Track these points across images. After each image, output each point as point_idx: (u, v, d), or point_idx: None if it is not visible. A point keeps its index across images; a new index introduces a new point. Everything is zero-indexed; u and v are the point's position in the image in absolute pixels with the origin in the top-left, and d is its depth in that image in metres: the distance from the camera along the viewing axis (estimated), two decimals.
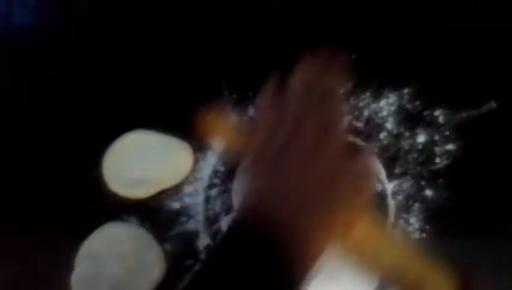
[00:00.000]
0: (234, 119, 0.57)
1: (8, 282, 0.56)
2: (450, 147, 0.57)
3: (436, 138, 0.57)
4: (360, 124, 0.58)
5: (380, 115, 0.58)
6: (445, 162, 0.57)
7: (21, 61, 0.60)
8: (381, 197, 0.56)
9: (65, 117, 0.59)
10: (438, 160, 0.57)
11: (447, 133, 0.57)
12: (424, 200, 0.56)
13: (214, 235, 0.57)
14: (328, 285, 0.51)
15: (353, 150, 0.42)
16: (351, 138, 0.53)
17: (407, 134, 0.58)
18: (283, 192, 0.38)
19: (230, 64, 0.59)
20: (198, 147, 0.58)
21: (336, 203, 0.38)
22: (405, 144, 0.57)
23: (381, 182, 0.56)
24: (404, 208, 0.56)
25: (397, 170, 0.57)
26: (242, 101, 0.59)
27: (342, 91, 0.49)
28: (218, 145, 0.57)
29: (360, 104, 0.58)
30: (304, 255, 0.36)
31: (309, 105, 0.42)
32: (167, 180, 0.57)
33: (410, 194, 0.56)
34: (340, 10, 0.60)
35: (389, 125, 0.58)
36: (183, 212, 0.57)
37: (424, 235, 0.56)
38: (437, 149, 0.57)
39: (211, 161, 0.58)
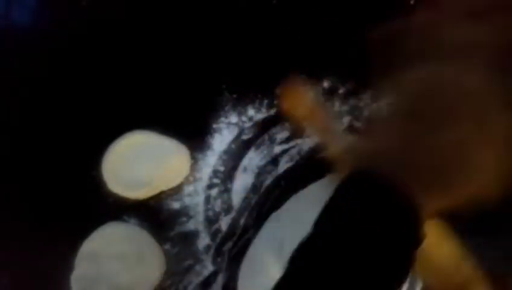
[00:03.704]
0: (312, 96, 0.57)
1: (8, 282, 0.56)
2: None
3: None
4: (360, 124, 0.58)
5: (380, 115, 0.58)
6: None
7: (21, 61, 0.60)
8: None
9: (65, 117, 0.59)
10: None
11: None
12: None
13: (213, 235, 0.57)
14: None
15: None
16: None
17: None
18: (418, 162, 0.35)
19: (230, 64, 0.59)
20: (198, 147, 0.58)
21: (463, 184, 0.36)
22: None
23: None
24: None
25: None
26: (242, 101, 0.59)
27: None
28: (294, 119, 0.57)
29: (360, 104, 0.58)
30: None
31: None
32: (166, 181, 0.57)
33: None
34: (340, 10, 0.60)
35: None
36: (183, 212, 0.57)
37: None
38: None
39: (210, 161, 0.58)
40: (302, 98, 0.56)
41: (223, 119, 0.59)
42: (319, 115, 0.55)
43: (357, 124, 0.58)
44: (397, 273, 0.34)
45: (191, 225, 0.57)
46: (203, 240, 0.57)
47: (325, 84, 0.59)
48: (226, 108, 0.59)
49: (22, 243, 0.56)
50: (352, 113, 0.58)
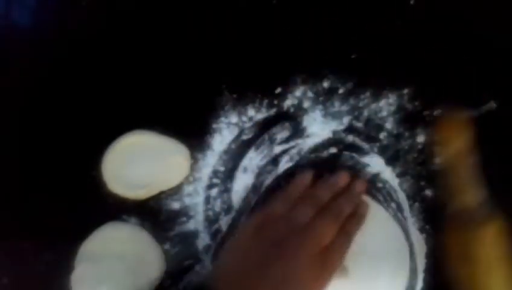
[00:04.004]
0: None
1: (8, 282, 0.56)
2: None
3: (436, 138, 0.57)
4: (360, 124, 0.58)
5: (380, 115, 0.58)
6: None
7: (21, 61, 0.60)
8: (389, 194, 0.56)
9: (65, 117, 0.59)
10: (438, 160, 0.57)
11: None
12: (424, 200, 0.56)
13: (213, 235, 0.57)
14: None
15: None
16: None
17: (407, 134, 0.58)
18: None
19: (230, 64, 0.59)
20: (198, 147, 0.58)
21: None
22: (405, 144, 0.57)
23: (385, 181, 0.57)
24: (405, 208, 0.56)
25: (397, 170, 0.57)
26: (242, 101, 0.59)
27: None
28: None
29: (360, 104, 0.58)
30: None
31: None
32: (166, 181, 0.57)
33: (410, 194, 0.56)
34: (340, 10, 0.60)
35: (389, 125, 0.58)
36: (183, 212, 0.57)
37: (424, 235, 0.56)
38: (437, 149, 0.57)
39: (210, 161, 0.58)
40: (461, 131, 0.54)
41: (223, 119, 0.59)
42: (468, 155, 0.53)
43: (357, 124, 0.58)
44: None
45: (191, 225, 0.57)
46: (203, 240, 0.57)
47: (325, 84, 0.59)
48: (226, 108, 0.59)
49: (22, 243, 0.56)
50: (352, 113, 0.58)
